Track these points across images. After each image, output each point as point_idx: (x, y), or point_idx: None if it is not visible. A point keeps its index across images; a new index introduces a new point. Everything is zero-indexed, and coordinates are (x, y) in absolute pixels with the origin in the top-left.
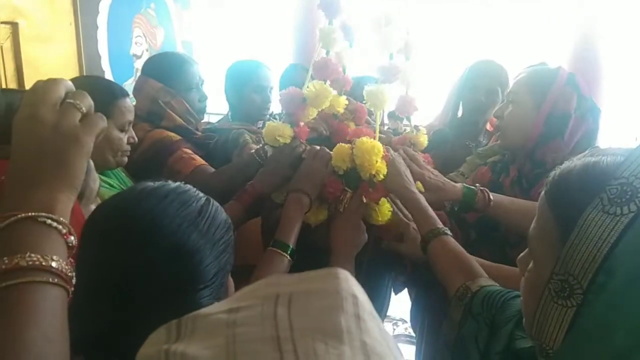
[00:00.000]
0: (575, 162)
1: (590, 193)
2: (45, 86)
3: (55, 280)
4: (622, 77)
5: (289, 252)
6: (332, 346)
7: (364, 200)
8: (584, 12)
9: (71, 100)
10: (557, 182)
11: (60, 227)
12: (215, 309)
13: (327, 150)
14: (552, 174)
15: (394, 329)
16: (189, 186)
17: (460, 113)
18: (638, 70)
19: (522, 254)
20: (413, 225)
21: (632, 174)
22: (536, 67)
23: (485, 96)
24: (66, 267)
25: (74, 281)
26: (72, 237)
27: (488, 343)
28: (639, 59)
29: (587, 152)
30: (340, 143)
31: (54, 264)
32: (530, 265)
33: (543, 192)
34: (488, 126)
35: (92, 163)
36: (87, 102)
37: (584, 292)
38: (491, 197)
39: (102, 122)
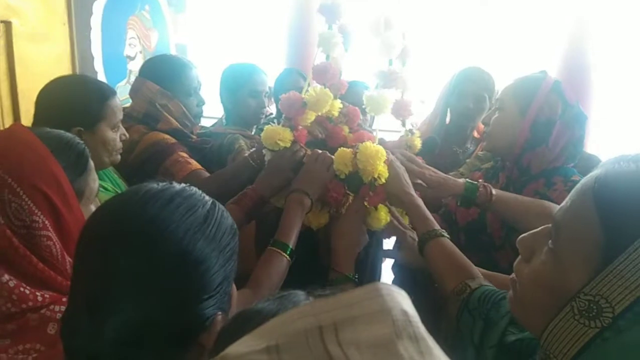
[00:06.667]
0: (631, 165)
1: None
2: None
3: None
4: (613, 81)
5: (288, 252)
6: None
7: (365, 204)
8: (575, 16)
9: None
10: (611, 189)
11: None
12: (246, 347)
13: (329, 155)
14: (599, 172)
15: None
16: (194, 189)
17: (448, 119)
18: (629, 74)
19: (524, 235)
20: (409, 233)
21: None
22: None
23: (473, 102)
24: None
25: None
26: None
27: (482, 337)
28: (630, 63)
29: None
30: (342, 148)
31: None
32: (544, 256)
33: (591, 190)
34: (475, 133)
35: (92, 163)
36: None
37: (615, 317)
38: (493, 192)
39: None
